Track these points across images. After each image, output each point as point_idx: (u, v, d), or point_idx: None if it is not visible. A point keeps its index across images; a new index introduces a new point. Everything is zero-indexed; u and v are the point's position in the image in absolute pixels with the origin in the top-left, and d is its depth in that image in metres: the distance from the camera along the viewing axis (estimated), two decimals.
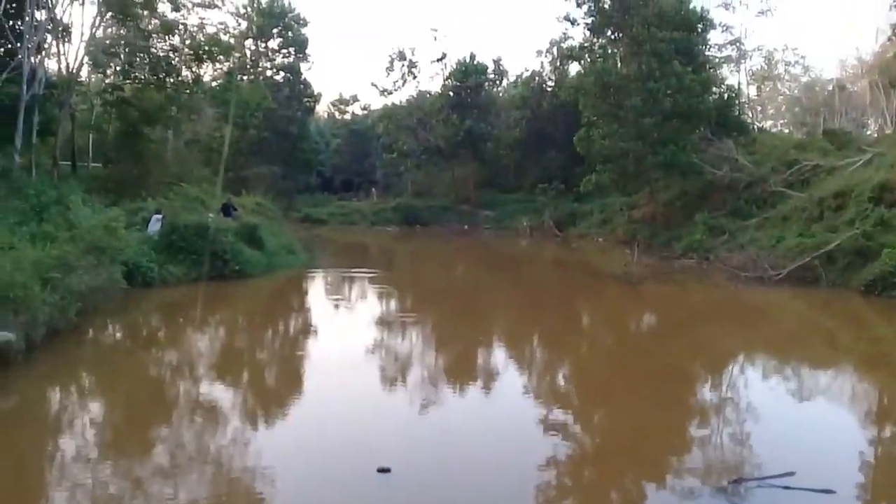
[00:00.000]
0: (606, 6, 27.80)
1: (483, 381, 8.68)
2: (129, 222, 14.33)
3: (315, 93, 46.85)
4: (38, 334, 8.38)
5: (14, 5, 17.97)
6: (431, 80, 44.15)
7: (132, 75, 23.58)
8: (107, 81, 24.58)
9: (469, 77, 41.63)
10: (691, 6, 28.17)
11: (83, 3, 21.33)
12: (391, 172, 47.66)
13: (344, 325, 12.42)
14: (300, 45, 44.36)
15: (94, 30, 21.19)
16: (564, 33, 40.42)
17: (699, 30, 28.25)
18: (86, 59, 21.83)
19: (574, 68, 36.83)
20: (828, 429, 7.14)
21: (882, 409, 8.00)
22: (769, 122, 46.86)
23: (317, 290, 17.33)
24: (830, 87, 43.31)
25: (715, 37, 32.81)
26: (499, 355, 10.53)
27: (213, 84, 28.02)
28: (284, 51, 44.31)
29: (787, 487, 5.16)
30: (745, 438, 6.58)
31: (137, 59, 23.14)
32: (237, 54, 32.53)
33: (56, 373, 8.08)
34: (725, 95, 29.34)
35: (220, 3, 23.44)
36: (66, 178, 20.07)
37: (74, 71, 21.21)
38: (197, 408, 7.22)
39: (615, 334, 12.50)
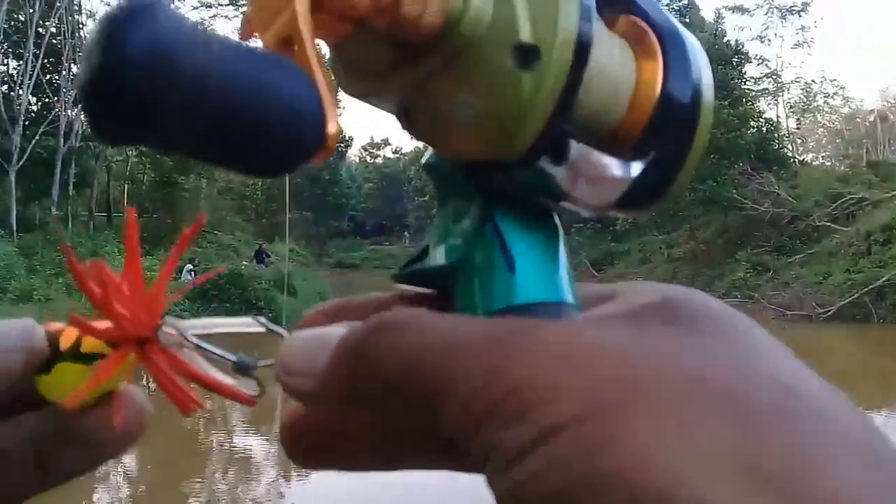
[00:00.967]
0: None
1: None
2: None
3: (347, 137, 47.25)
4: None
5: (51, 60, 18.27)
6: None
7: None
8: None
9: None
10: (725, 39, 27.93)
11: None
12: (423, 216, 47.66)
13: None
14: None
15: None
16: None
17: (734, 63, 27.95)
18: None
19: None
20: None
21: None
22: (810, 154, 46.13)
23: None
24: (872, 118, 42.60)
25: (751, 70, 32.39)
26: None
27: None
28: None
29: None
30: None
31: None
32: None
33: None
34: (764, 129, 28.92)
35: None
36: (102, 230, 20.19)
37: None
38: (231, 458, 7.02)
39: None
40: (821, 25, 66.72)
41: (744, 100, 28.62)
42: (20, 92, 17.30)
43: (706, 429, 0.18)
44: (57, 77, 18.75)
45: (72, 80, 18.55)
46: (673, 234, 30.46)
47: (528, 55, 0.23)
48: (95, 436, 0.29)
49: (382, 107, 0.27)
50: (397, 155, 57.37)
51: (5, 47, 18.34)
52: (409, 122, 0.26)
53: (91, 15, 20.73)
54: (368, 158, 59.76)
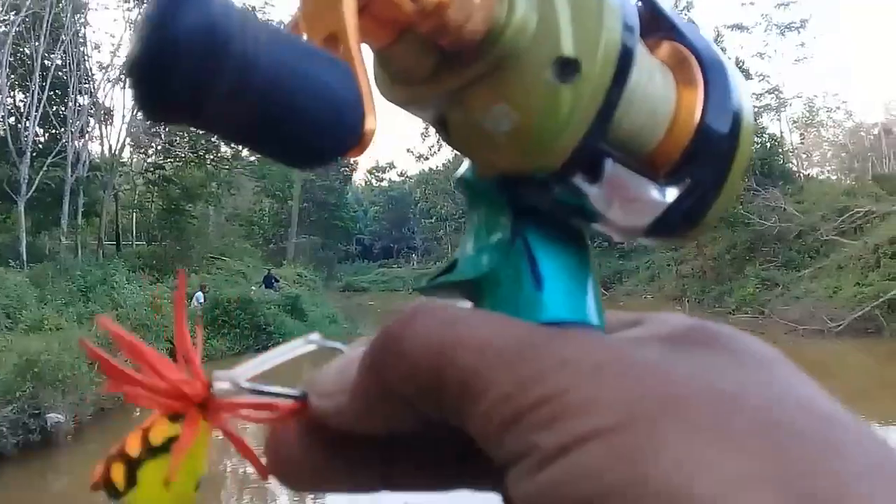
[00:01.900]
0: None
1: None
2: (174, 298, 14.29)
3: (352, 161, 47.37)
4: (87, 414, 8.36)
5: (57, 92, 18.43)
6: None
7: (173, 154, 23.98)
8: (148, 161, 25.05)
9: None
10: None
11: (124, 87, 21.82)
12: (430, 237, 47.71)
13: None
14: None
15: (134, 111, 21.60)
16: None
17: None
18: (127, 140, 22.27)
19: None
20: None
21: None
22: (815, 169, 46.08)
23: None
24: (876, 132, 42.58)
25: (752, 86, 32.56)
26: None
27: (252, 158, 28.41)
28: None
29: None
30: None
31: (177, 137, 23.56)
32: None
33: (105, 452, 7.87)
34: (768, 144, 28.95)
35: None
36: (111, 258, 20.22)
37: (117, 152, 21.61)
38: (248, 485, 6.95)
39: None
40: (821, 40, 67.00)
41: None
42: (27, 124, 17.44)
43: (747, 449, 0.18)
44: (63, 108, 18.90)
45: (78, 111, 18.74)
46: (680, 250, 30.37)
47: (568, 68, 0.23)
48: None
49: (421, 115, 0.26)
50: (402, 178, 57.62)
51: (12, 80, 18.50)
52: (446, 133, 0.26)
53: (96, 47, 20.97)
54: (374, 182, 60.02)
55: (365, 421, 0.24)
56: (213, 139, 23.48)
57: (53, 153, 17.48)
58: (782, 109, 38.35)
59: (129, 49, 0.18)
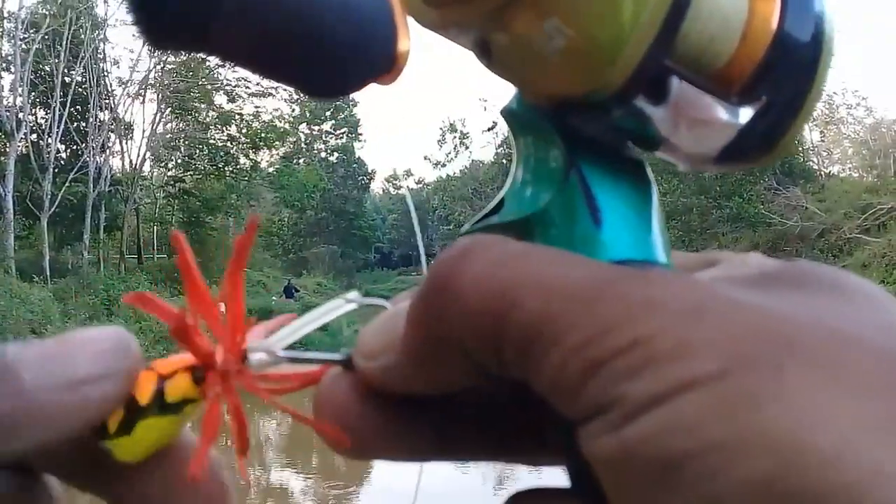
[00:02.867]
0: None
1: None
2: None
3: (369, 170, 47.60)
4: None
5: (78, 108, 18.64)
6: (483, 150, 44.52)
7: (193, 167, 24.16)
8: (169, 174, 25.24)
9: None
10: None
11: (143, 102, 22.07)
12: (449, 244, 47.47)
13: None
14: (352, 126, 45.29)
15: (154, 126, 21.84)
16: None
17: None
18: (148, 154, 22.45)
19: None
20: None
21: None
22: (836, 167, 45.40)
23: None
24: None
25: None
26: None
27: (270, 169, 28.58)
28: (338, 132, 45.28)
29: None
30: None
31: (197, 150, 23.75)
32: (292, 139, 33.30)
33: None
34: None
35: (274, 91, 24.03)
36: (133, 271, 20.41)
37: (137, 167, 21.81)
38: (268, 495, 6.99)
39: None
40: (840, 36, 66.31)
41: None
42: (49, 140, 17.63)
43: (877, 395, 0.17)
44: (84, 124, 19.09)
45: (98, 126, 18.91)
46: (702, 251, 29.95)
47: None
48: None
49: (459, 40, 0.23)
50: (420, 185, 57.67)
51: (33, 97, 18.71)
52: (489, 58, 0.23)
53: (115, 62, 21.19)
54: (392, 190, 60.09)
55: (415, 380, 0.22)
56: (231, 151, 23.70)
57: (75, 169, 17.65)
58: None
59: None
